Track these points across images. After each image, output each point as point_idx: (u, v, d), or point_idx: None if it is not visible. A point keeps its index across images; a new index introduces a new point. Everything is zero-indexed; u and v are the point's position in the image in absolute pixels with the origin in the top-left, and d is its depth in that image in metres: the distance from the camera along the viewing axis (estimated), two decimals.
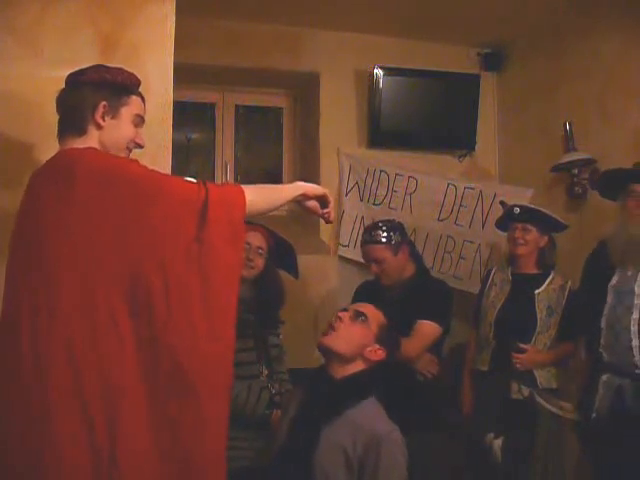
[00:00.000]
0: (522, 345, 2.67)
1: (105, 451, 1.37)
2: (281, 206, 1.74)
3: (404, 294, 2.67)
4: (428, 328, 2.59)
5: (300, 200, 1.75)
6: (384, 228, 2.72)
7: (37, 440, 1.37)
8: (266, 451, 1.99)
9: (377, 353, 1.84)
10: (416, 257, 2.86)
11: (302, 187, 1.74)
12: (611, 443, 2.30)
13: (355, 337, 1.83)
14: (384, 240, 2.68)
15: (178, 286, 1.44)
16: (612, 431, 2.30)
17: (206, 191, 1.50)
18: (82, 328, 1.40)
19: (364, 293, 2.81)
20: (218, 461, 1.47)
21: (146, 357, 1.42)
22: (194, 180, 1.55)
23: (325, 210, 1.78)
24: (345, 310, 1.92)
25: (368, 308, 1.92)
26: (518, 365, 2.65)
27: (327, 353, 1.84)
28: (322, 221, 1.82)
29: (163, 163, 2.20)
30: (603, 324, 2.39)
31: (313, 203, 1.77)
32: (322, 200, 1.77)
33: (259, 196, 1.63)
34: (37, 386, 1.38)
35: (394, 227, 2.74)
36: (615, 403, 2.31)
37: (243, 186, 1.59)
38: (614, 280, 2.41)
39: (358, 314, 1.88)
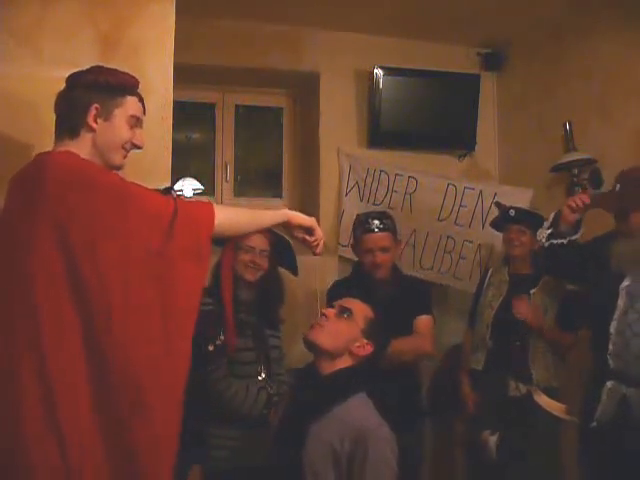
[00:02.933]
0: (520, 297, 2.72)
1: (75, 453, 1.37)
2: (259, 230, 1.76)
3: (395, 291, 2.68)
4: (429, 322, 2.68)
5: (285, 227, 1.77)
6: (387, 216, 2.72)
7: (9, 441, 1.37)
8: (259, 450, 1.99)
9: (365, 348, 1.82)
10: None
11: (286, 215, 1.76)
12: (612, 453, 2.22)
13: (341, 333, 1.81)
14: (390, 228, 2.68)
15: (137, 299, 1.44)
16: (614, 440, 2.22)
17: (175, 207, 1.51)
18: (49, 332, 1.39)
19: (343, 293, 2.77)
20: (167, 470, 1.47)
21: (95, 361, 1.41)
22: (198, 183, 1.56)
23: (312, 238, 1.79)
24: (331, 307, 1.91)
25: (353, 303, 1.90)
26: (518, 315, 2.68)
27: (312, 348, 1.82)
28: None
29: (163, 163, 2.20)
30: (612, 329, 2.25)
31: (300, 234, 1.79)
32: (308, 230, 1.79)
33: (233, 217, 1.65)
34: (10, 387, 1.38)
35: (392, 219, 2.75)
36: (618, 412, 2.21)
37: (217, 206, 1.60)
38: (626, 282, 2.27)
39: (343, 310, 1.86)
